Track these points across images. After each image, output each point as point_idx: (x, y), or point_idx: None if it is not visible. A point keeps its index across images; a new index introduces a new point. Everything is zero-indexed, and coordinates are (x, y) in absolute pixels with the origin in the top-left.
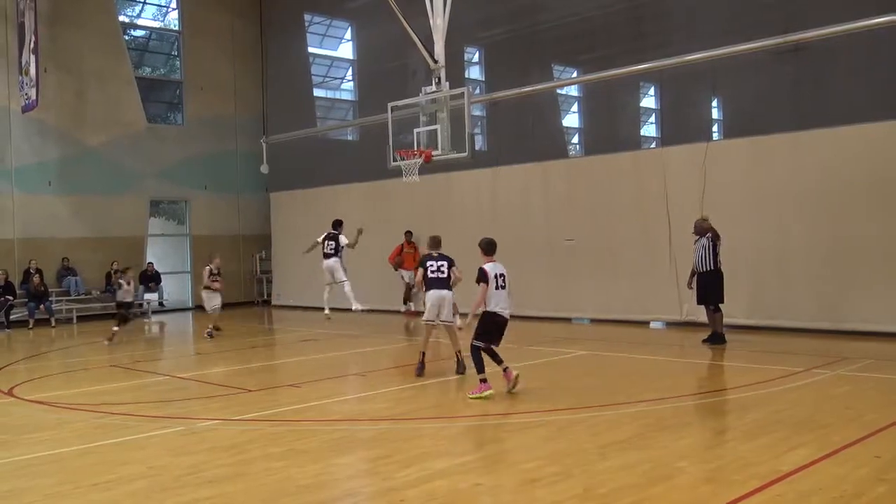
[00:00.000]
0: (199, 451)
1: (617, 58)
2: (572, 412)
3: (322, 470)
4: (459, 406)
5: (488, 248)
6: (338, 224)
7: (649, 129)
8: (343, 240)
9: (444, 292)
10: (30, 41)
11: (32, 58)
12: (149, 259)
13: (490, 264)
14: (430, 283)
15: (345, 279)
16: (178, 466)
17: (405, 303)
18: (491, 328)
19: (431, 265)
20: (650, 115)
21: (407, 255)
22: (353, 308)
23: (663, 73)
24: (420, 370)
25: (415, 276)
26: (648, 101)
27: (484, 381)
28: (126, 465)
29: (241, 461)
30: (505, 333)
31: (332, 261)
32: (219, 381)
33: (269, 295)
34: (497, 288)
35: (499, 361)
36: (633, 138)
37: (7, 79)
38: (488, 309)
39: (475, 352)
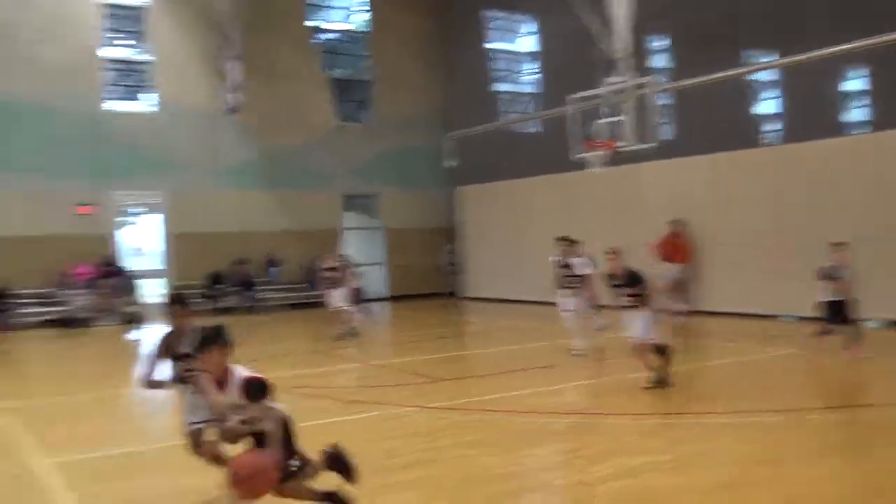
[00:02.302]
0: (395, 437)
1: (818, 38)
2: (775, 414)
3: (513, 460)
4: (649, 402)
5: None
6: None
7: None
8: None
9: None
10: (232, 49)
11: (235, 64)
12: (345, 251)
13: None
14: None
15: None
16: (375, 451)
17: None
18: None
19: None
20: (861, 98)
21: (677, 246)
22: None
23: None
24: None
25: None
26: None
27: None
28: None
29: (435, 448)
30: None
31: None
32: (410, 369)
33: (458, 287)
34: None
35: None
36: (839, 123)
37: (215, 85)
38: None
39: None
